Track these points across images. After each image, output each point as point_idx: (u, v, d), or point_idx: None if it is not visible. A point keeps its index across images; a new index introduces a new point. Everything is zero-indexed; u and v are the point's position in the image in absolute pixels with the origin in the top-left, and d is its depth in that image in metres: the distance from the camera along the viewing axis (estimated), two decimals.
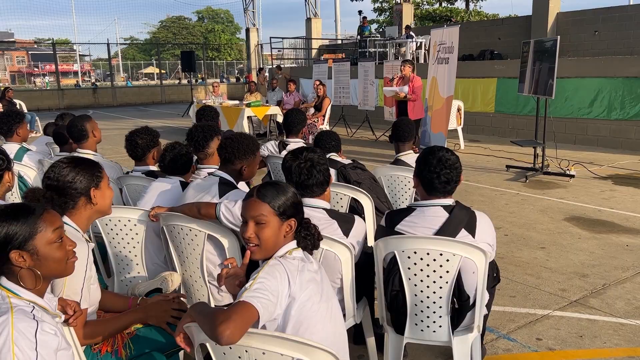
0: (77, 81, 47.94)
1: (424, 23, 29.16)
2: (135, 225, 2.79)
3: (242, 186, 2.78)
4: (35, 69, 61.70)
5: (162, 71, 41.65)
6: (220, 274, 1.87)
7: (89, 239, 2.11)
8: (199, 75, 39.13)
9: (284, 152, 4.16)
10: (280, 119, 10.83)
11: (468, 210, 2.37)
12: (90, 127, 3.78)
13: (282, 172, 2.49)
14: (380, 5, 33.87)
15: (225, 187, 2.63)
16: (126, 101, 25.73)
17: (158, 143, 3.53)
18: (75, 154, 3.65)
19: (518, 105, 11.05)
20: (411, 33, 16.68)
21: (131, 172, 3.54)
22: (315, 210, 2.36)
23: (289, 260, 1.71)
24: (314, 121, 10.56)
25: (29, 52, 62.90)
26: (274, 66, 17.90)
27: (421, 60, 15.58)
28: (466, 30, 17.89)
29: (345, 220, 2.41)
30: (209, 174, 2.83)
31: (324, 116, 10.72)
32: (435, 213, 2.34)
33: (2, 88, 14.59)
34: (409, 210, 2.39)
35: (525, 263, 4.33)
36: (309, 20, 24.02)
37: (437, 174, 2.29)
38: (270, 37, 22.69)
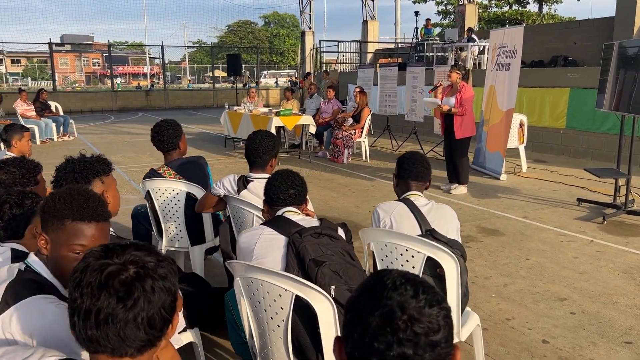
0: (138, 83, 48.97)
1: (491, 27, 27.13)
2: None
3: None
4: (108, 71, 64.28)
5: (222, 74, 41.69)
6: None
7: None
8: (261, 80, 39.02)
9: (245, 192, 2.94)
10: (312, 129, 9.63)
11: None
12: None
13: (245, 218, 2.02)
14: (444, 8, 31.99)
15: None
16: (178, 104, 25.42)
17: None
18: None
19: (595, 121, 9.28)
20: (473, 36, 15.05)
21: None
22: None
23: None
24: (350, 133, 9.29)
25: (104, 55, 65.50)
26: (322, 70, 16.73)
27: (483, 66, 13.96)
28: (536, 34, 16.02)
29: None
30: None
31: (362, 128, 9.42)
32: None
33: (38, 90, 14.25)
34: None
35: None
36: (365, 22, 22.70)
37: None
38: (320, 41, 21.55)
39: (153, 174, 3.57)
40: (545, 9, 30.32)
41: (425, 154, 9.90)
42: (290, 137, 11.07)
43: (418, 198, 2.55)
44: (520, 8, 30.55)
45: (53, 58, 24.44)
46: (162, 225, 3.62)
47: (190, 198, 3.47)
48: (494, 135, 8.01)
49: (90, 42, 61.13)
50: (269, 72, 47.83)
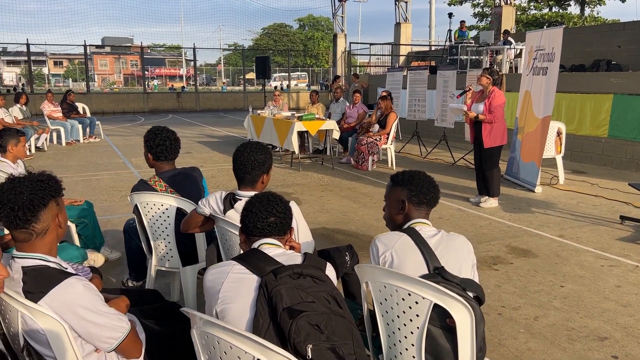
0: (171, 85, 49.64)
1: (529, 29, 26.20)
2: None
3: None
4: (146, 73, 65.51)
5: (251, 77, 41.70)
6: None
7: None
8: (297, 82, 38.77)
9: (231, 212, 2.57)
10: (336, 135, 9.24)
11: None
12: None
13: (232, 242, 2.08)
14: (481, 10, 31.09)
15: None
16: (208, 106, 25.44)
17: None
18: None
19: None
20: (509, 39, 14.42)
21: None
22: None
23: None
24: (375, 139, 8.87)
25: (143, 57, 66.83)
26: (351, 74, 16.33)
27: (520, 71, 13.31)
28: (578, 36, 15.27)
29: None
30: None
31: (388, 134, 8.98)
32: None
33: (65, 91, 14.30)
34: None
35: None
36: (398, 25, 22.20)
37: None
38: (350, 43, 21.14)
39: (142, 185, 3.25)
40: (587, 11, 29.14)
41: (456, 162, 9.41)
42: (314, 142, 10.72)
43: (424, 227, 2.14)
44: (560, 10, 29.44)
45: (87, 60, 24.75)
46: (151, 242, 3.30)
47: (181, 214, 3.14)
48: (529, 144, 7.46)
49: (129, 45, 62.38)
50: (279, 74, 47.32)
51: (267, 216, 1.90)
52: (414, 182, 2.21)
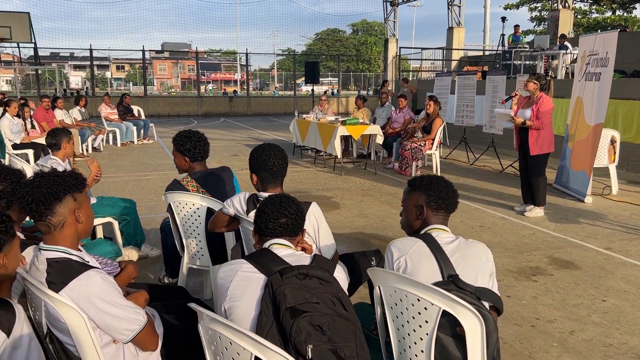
0: (225, 89, 50.71)
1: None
2: None
3: None
4: (202, 77, 67.51)
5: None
6: None
7: None
8: (350, 87, 38.48)
9: (254, 212, 2.62)
10: (380, 140, 9.20)
11: None
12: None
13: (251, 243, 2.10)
14: (538, 14, 30.14)
15: None
16: (259, 110, 25.86)
17: None
18: None
19: None
20: (566, 43, 13.92)
21: None
22: None
23: None
24: (420, 145, 8.76)
25: (199, 62, 68.89)
26: (401, 78, 16.21)
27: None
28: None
29: None
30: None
31: (433, 140, 8.85)
32: None
33: (122, 94, 14.90)
34: None
35: None
36: (450, 29, 21.87)
37: None
38: (400, 47, 20.97)
39: (176, 185, 3.35)
40: None
41: (504, 169, 9.17)
42: (359, 147, 10.71)
43: (441, 233, 2.10)
44: (624, 13, 28.14)
45: (145, 65, 25.70)
46: (184, 241, 3.40)
47: (211, 214, 3.22)
48: (580, 152, 7.17)
49: (186, 50, 64.41)
50: (329, 79, 47.09)
51: (279, 217, 1.93)
52: (432, 187, 2.18)
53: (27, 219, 2.59)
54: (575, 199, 7.04)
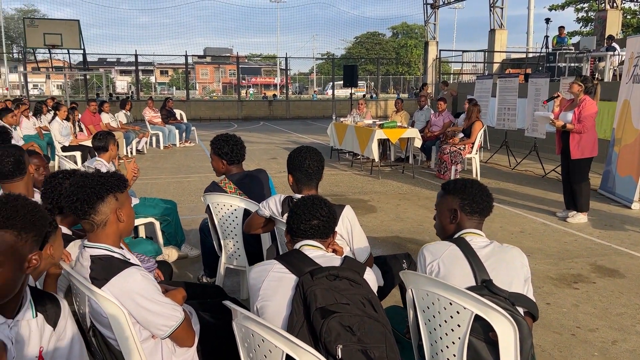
0: (264, 93, 51.29)
1: None
2: None
3: None
4: (243, 81, 68.60)
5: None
6: None
7: None
8: (389, 90, 38.23)
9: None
10: (418, 143, 9.13)
11: None
12: None
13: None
14: (585, 14, 29.24)
15: None
16: (298, 114, 26.05)
17: None
18: None
19: None
20: (613, 44, 13.47)
21: None
22: None
23: None
24: (459, 148, 8.65)
25: (240, 66, 70.03)
26: (440, 81, 16.04)
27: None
28: None
29: None
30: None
31: (472, 143, 8.72)
32: None
33: (165, 98, 15.28)
34: None
35: None
36: (492, 31, 21.49)
37: None
38: (440, 50, 20.72)
39: (214, 187, 3.44)
40: None
41: (546, 174, 8.95)
42: (396, 151, 10.65)
43: (475, 238, 2.08)
44: None
45: (187, 69, 26.28)
46: (222, 241, 3.48)
47: (248, 215, 3.28)
48: (627, 157, 6.94)
49: (228, 55, 65.53)
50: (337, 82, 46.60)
51: (311, 219, 1.96)
52: (466, 191, 2.16)
53: None
54: (621, 205, 6.81)
